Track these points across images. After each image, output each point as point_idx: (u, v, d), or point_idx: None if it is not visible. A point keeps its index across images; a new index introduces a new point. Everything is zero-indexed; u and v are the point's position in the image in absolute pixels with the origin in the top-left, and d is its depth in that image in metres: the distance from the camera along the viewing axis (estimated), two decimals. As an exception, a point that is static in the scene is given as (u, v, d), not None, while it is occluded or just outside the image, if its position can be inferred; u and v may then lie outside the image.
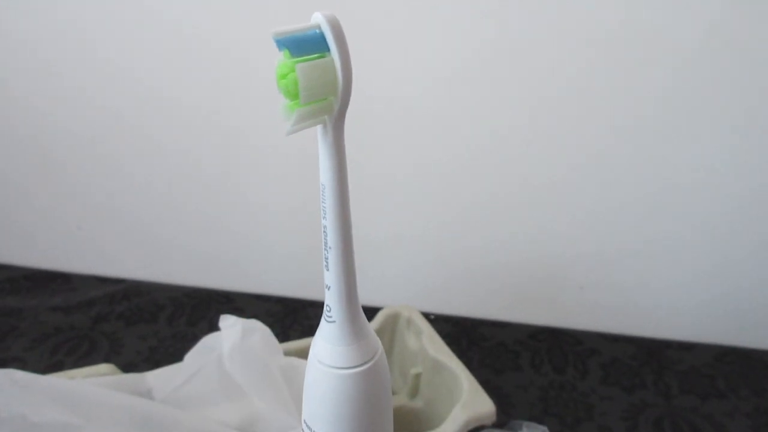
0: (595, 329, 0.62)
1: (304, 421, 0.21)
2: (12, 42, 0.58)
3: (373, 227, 0.60)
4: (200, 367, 0.35)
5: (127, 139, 0.61)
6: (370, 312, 0.47)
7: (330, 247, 0.19)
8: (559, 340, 0.60)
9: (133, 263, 0.69)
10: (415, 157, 0.57)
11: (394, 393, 0.47)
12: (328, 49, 0.17)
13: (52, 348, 0.56)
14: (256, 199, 0.63)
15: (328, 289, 0.20)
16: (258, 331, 0.37)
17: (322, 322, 0.20)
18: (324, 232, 0.19)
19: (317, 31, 0.17)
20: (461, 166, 0.57)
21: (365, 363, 0.20)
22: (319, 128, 0.18)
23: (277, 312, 0.64)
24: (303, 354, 0.27)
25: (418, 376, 0.45)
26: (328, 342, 0.20)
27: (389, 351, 0.49)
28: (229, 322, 0.37)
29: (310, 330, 0.61)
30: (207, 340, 0.37)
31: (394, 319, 0.48)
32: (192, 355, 0.37)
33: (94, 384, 0.34)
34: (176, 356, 0.54)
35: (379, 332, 0.47)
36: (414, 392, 0.46)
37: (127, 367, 0.42)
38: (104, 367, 0.39)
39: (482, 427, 0.38)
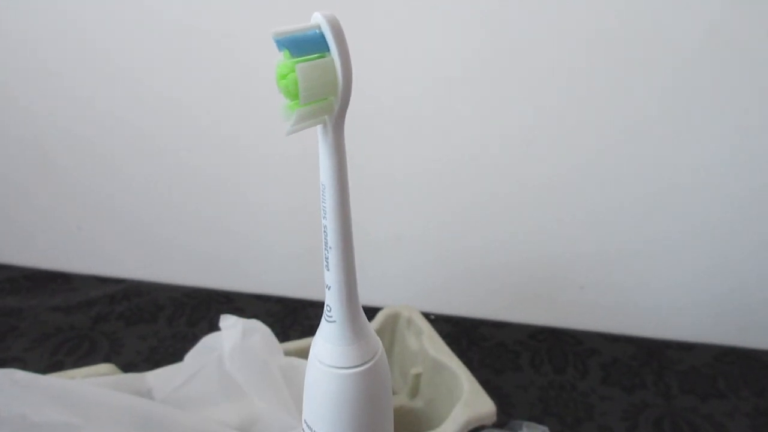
0: (596, 329, 0.62)
1: (305, 421, 0.21)
2: (12, 42, 0.58)
3: (373, 227, 0.60)
4: (200, 367, 0.35)
5: (127, 140, 0.61)
6: (370, 312, 0.47)
7: (330, 247, 0.19)
8: (559, 340, 0.60)
9: (133, 263, 0.69)
10: (415, 157, 0.57)
11: (394, 393, 0.47)
12: (328, 49, 0.17)
13: (52, 348, 0.56)
14: (256, 200, 0.63)
15: (329, 289, 0.20)
16: (258, 331, 0.37)
17: (323, 322, 0.20)
18: (324, 232, 0.19)
19: (317, 31, 0.17)
20: (461, 166, 0.57)
21: (366, 363, 0.20)
22: (319, 128, 0.18)
23: (277, 312, 0.64)
24: (303, 354, 0.27)
25: (418, 376, 0.45)
26: (328, 342, 0.20)
27: (389, 351, 0.49)
28: (229, 322, 0.37)
29: (310, 330, 0.61)
30: (207, 340, 0.37)
31: (394, 319, 0.48)
32: (192, 355, 0.37)
33: (94, 384, 0.34)
34: (176, 356, 0.54)
35: (379, 332, 0.47)
36: (414, 392, 0.46)
37: (127, 367, 0.42)
38: (104, 367, 0.39)
39: (483, 427, 0.38)
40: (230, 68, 0.55)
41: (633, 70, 0.50)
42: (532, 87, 0.52)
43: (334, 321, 0.20)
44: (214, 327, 0.39)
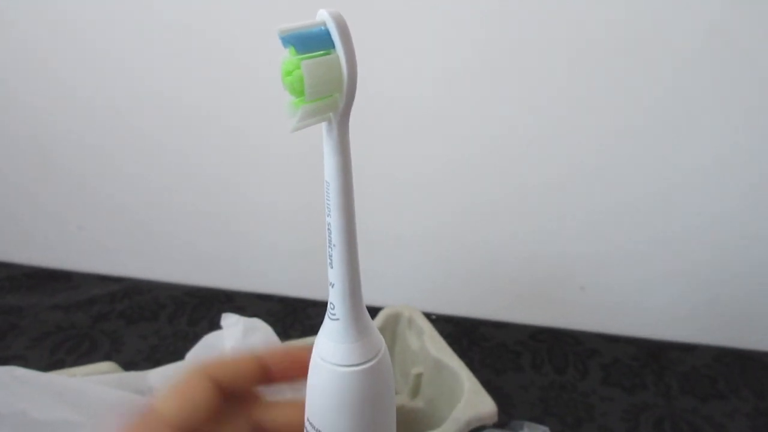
0: (596, 330, 0.62)
1: (308, 419, 0.21)
2: (13, 42, 0.58)
3: (374, 227, 0.60)
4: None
5: (128, 139, 0.61)
6: (372, 312, 0.47)
7: (334, 245, 0.19)
8: (559, 340, 0.60)
9: (134, 262, 0.69)
10: (415, 157, 0.57)
11: (395, 393, 0.47)
12: (333, 46, 0.17)
13: (53, 346, 0.56)
14: (257, 199, 0.63)
15: (332, 286, 0.20)
16: (260, 329, 0.37)
17: (326, 320, 0.20)
18: (328, 229, 0.19)
19: (323, 28, 0.17)
20: (462, 166, 0.57)
21: (369, 360, 0.20)
22: (323, 125, 0.18)
23: (277, 311, 0.64)
24: (305, 353, 0.27)
25: (419, 375, 0.45)
26: (331, 340, 0.20)
27: (391, 351, 0.49)
28: (230, 321, 0.37)
29: (310, 329, 0.61)
30: (208, 339, 0.37)
31: (395, 319, 0.48)
32: (193, 354, 0.37)
33: (95, 382, 0.34)
34: (177, 355, 0.54)
35: (381, 332, 0.46)
36: (415, 392, 0.46)
37: (128, 366, 0.42)
38: (105, 365, 0.39)
39: (484, 427, 0.38)
40: (231, 68, 0.55)
41: (633, 70, 0.50)
42: (532, 87, 0.52)
43: (338, 318, 0.20)
44: (215, 326, 0.39)
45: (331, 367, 0.20)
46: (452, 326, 0.62)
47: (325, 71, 0.17)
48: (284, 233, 0.64)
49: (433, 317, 0.63)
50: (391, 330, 0.49)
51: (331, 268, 0.19)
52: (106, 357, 0.56)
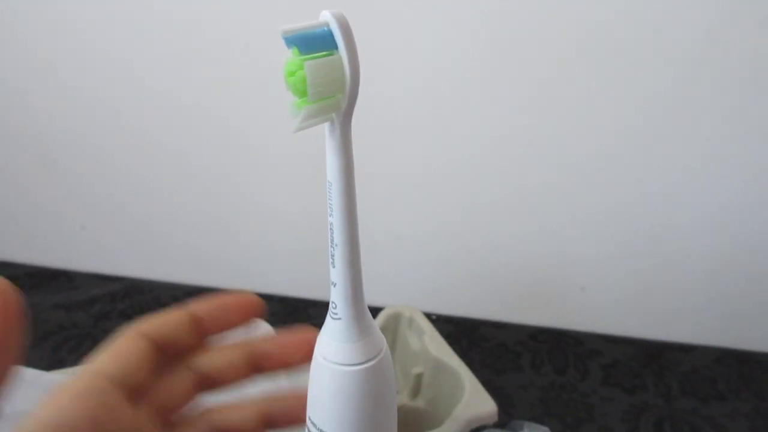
0: (596, 330, 0.62)
1: (309, 418, 0.21)
2: (13, 42, 0.58)
3: (374, 227, 0.60)
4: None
5: (129, 139, 0.62)
6: (372, 312, 0.47)
7: (336, 244, 0.19)
8: (559, 340, 0.60)
9: (135, 262, 0.69)
10: (416, 157, 0.57)
11: (396, 392, 0.47)
12: (336, 47, 0.17)
13: (54, 346, 0.56)
14: (258, 199, 0.63)
15: (334, 286, 0.20)
16: (261, 329, 0.37)
17: (328, 319, 0.20)
18: (330, 229, 0.19)
19: (326, 28, 0.17)
20: (462, 166, 0.57)
21: (370, 360, 0.20)
22: (326, 126, 0.18)
23: (278, 311, 0.64)
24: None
25: (419, 376, 0.45)
26: (333, 339, 0.20)
27: (391, 351, 0.49)
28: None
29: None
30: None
31: (395, 319, 0.48)
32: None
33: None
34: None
35: (381, 332, 0.47)
36: (416, 392, 0.46)
37: (129, 365, 0.42)
38: (107, 365, 0.39)
39: (484, 427, 0.38)
40: (231, 68, 0.56)
41: (633, 70, 0.50)
42: (532, 87, 0.52)
43: (340, 318, 0.20)
44: (216, 325, 0.39)
45: (333, 366, 0.20)
46: (452, 326, 0.62)
47: (328, 72, 0.17)
48: (285, 233, 0.64)
49: (434, 317, 0.63)
50: (392, 330, 0.49)
51: (333, 267, 0.20)
52: (107, 356, 0.56)
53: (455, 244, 0.61)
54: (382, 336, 0.21)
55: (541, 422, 0.45)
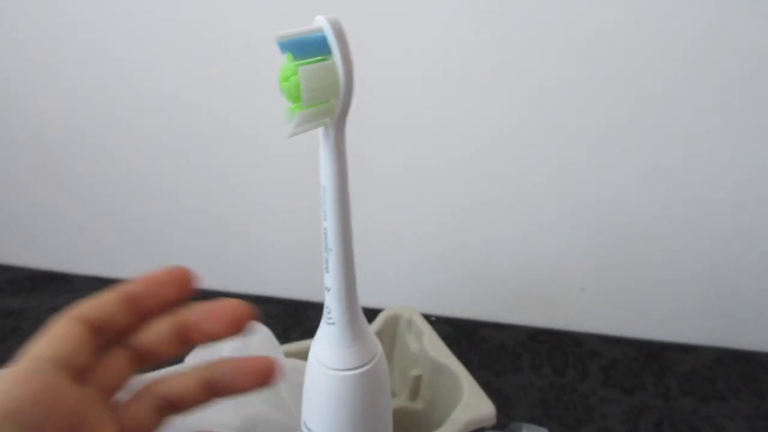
0: (596, 331, 0.62)
1: (304, 422, 0.21)
2: (13, 43, 0.58)
3: (373, 228, 0.60)
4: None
5: (128, 141, 0.62)
6: (371, 313, 0.47)
7: (330, 249, 0.19)
8: (559, 341, 0.60)
9: (134, 264, 0.69)
10: (415, 158, 0.57)
11: (394, 395, 0.47)
12: (330, 52, 0.17)
13: (53, 348, 0.56)
14: (257, 200, 0.63)
15: (328, 290, 0.20)
16: (258, 332, 0.37)
17: (322, 324, 0.20)
18: (324, 234, 0.19)
19: (320, 34, 0.17)
20: (461, 167, 0.57)
21: (365, 365, 0.20)
22: (320, 130, 0.18)
23: (277, 313, 0.64)
24: (303, 355, 0.27)
25: (418, 377, 0.45)
26: (327, 344, 0.20)
27: (390, 352, 0.49)
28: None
29: (310, 331, 0.60)
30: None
31: (394, 321, 0.48)
32: (192, 357, 0.37)
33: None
34: (177, 358, 0.54)
35: (380, 334, 0.47)
36: (414, 394, 0.46)
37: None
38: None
39: (482, 429, 0.38)
40: (231, 68, 0.56)
41: (633, 70, 0.50)
42: (532, 88, 0.52)
43: (334, 323, 0.20)
44: (214, 328, 0.39)
45: (327, 371, 0.20)
46: (452, 328, 0.62)
47: (322, 77, 0.17)
48: (284, 235, 0.64)
49: (433, 318, 0.63)
50: (391, 332, 0.49)
51: (327, 272, 0.20)
52: (107, 359, 0.56)
53: (455, 244, 0.61)
54: (377, 340, 0.21)
55: (541, 423, 0.45)
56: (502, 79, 0.52)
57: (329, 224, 0.19)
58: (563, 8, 0.48)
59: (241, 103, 0.57)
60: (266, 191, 0.62)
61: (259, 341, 0.36)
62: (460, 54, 0.52)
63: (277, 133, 0.56)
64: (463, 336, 0.61)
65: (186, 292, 0.22)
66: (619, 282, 0.59)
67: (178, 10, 0.54)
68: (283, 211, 0.63)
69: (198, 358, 0.37)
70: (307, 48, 0.16)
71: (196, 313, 0.21)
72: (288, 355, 0.39)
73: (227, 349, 0.35)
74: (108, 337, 0.21)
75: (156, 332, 0.21)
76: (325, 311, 0.20)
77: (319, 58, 0.17)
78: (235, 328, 0.21)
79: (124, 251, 0.69)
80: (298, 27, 0.17)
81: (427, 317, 0.48)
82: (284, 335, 0.61)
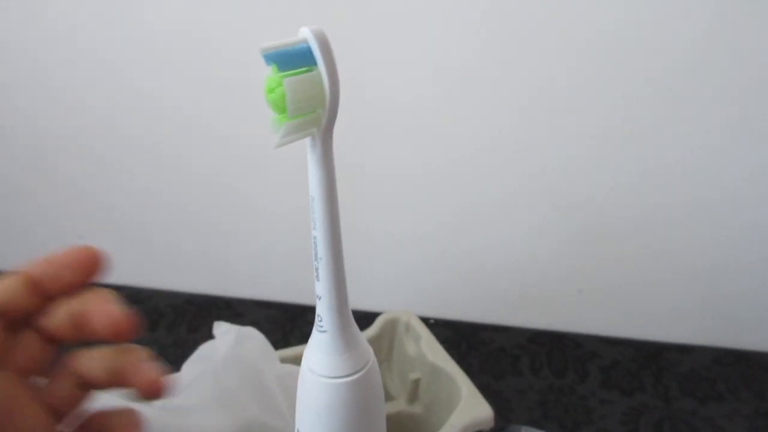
0: (595, 332, 0.62)
1: (298, 429, 0.21)
2: (12, 49, 0.59)
3: (372, 230, 0.60)
4: (196, 376, 0.35)
5: (127, 146, 0.62)
6: (369, 317, 0.47)
7: (320, 258, 0.19)
8: (558, 343, 0.60)
9: (133, 270, 0.69)
10: (414, 160, 0.57)
11: (393, 398, 0.47)
12: (315, 63, 0.17)
13: (53, 356, 0.57)
14: (256, 205, 0.63)
15: (319, 299, 0.20)
16: (252, 338, 0.37)
17: (314, 332, 0.21)
18: (314, 243, 0.19)
19: (304, 45, 0.17)
20: (460, 168, 0.57)
21: (357, 372, 0.20)
22: (308, 141, 0.18)
23: (277, 318, 0.64)
24: (299, 361, 0.27)
25: (416, 381, 0.45)
26: (319, 351, 0.20)
27: (388, 356, 0.49)
28: (222, 330, 0.37)
29: (310, 336, 0.61)
30: (203, 349, 0.37)
31: (393, 325, 0.48)
32: (189, 364, 0.37)
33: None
34: (177, 364, 0.54)
35: (379, 337, 0.47)
36: (413, 398, 0.46)
37: (127, 375, 0.42)
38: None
39: (480, 432, 0.38)
40: (229, 73, 0.56)
41: (633, 71, 0.50)
42: (531, 88, 0.52)
43: (325, 331, 0.20)
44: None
45: (319, 378, 0.20)
46: (451, 330, 0.62)
47: (307, 88, 0.17)
48: (283, 239, 0.64)
49: (432, 321, 0.63)
50: (389, 336, 0.49)
51: (318, 281, 0.20)
52: (106, 365, 0.56)
53: (453, 246, 0.61)
54: (369, 347, 0.21)
55: (540, 426, 0.45)
56: (502, 79, 0.52)
57: (318, 233, 0.19)
58: (563, 8, 0.48)
59: (241, 109, 0.57)
60: (266, 197, 0.62)
61: (252, 347, 0.36)
62: (460, 54, 0.51)
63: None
64: (463, 339, 0.61)
65: (91, 273, 0.22)
66: (617, 283, 0.59)
67: (177, 16, 0.54)
68: (284, 217, 0.63)
69: (194, 365, 0.37)
70: (292, 59, 0.17)
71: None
72: (284, 360, 0.39)
73: (221, 355, 0.36)
74: (13, 319, 0.20)
75: (70, 304, 0.21)
76: (316, 319, 0.20)
77: (304, 69, 0.17)
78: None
79: (123, 257, 0.68)
80: (282, 39, 0.17)
81: (426, 320, 0.48)
82: (284, 340, 0.61)
